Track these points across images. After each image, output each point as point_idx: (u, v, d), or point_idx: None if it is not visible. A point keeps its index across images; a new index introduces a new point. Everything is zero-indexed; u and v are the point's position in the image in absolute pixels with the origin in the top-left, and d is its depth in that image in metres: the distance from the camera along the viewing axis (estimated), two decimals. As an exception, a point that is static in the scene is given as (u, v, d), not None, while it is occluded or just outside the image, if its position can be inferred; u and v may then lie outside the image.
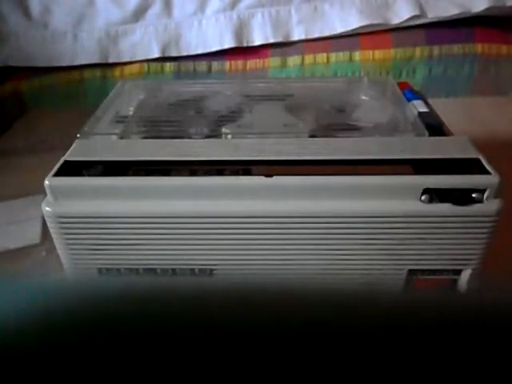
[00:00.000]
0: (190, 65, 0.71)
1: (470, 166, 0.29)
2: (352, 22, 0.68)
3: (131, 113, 0.40)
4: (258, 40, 0.70)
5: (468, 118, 0.63)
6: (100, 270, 0.32)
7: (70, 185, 0.30)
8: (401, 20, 0.68)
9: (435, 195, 0.29)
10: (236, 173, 0.30)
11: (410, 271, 0.31)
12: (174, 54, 0.71)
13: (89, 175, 0.30)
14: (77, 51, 0.70)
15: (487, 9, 0.66)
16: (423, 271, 0.31)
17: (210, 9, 0.70)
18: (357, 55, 0.69)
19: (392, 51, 0.69)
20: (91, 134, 0.36)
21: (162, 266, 0.32)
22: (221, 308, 0.10)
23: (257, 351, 0.09)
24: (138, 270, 0.32)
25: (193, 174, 0.30)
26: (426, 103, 0.38)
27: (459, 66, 0.69)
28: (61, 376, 0.09)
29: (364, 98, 0.41)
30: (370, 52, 0.69)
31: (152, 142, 0.34)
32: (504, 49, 0.69)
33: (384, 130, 0.35)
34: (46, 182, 0.29)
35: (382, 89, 0.43)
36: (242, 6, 0.69)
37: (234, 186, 0.29)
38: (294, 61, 0.71)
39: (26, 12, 0.70)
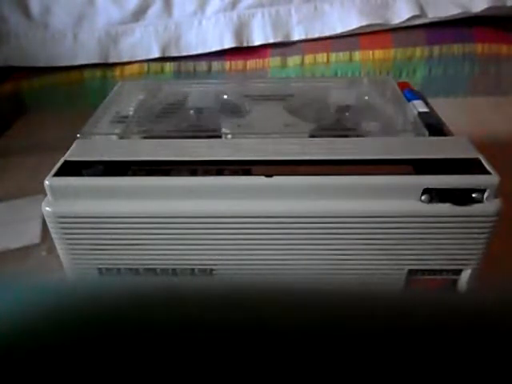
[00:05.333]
0: (190, 65, 0.71)
1: (469, 166, 0.29)
2: (352, 22, 0.68)
3: (131, 113, 0.40)
4: (257, 40, 0.70)
5: (468, 118, 0.63)
6: (100, 270, 0.32)
7: (69, 185, 0.30)
8: (401, 20, 0.68)
9: (435, 195, 0.29)
10: (236, 173, 0.30)
11: (410, 271, 0.31)
12: (174, 53, 0.71)
13: (89, 175, 0.30)
14: (77, 51, 0.70)
15: (487, 9, 0.66)
16: (423, 271, 0.31)
17: (210, 9, 0.70)
18: (357, 55, 0.69)
19: (392, 51, 0.69)
20: (91, 134, 0.36)
21: (162, 266, 0.32)
22: (221, 308, 0.10)
23: (256, 352, 0.09)
24: (137, 269, 0.32)
25: (193, 173, 0.30)
26: (426, 103, 0.38)
27: (459, 66, 0.69)
28: (61, 376, 0.09)
29: (364, 98, 0.41)
30: (370, 52, 0.69)
31: (152, 141, 0.34)
32: (504, 49, 0.69)
33: (384, 130, 0.35)
34: (46, 182, 0.29)
35: (381, 89, 0.43)
36: (241, 6, 0.69)
37: (234, 186, 0.29)
38: (293, 61, 0.71)
39: (26, 12, 0.70)
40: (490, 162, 0.30)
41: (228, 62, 0.71)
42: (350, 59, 0.70)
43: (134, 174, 0.30)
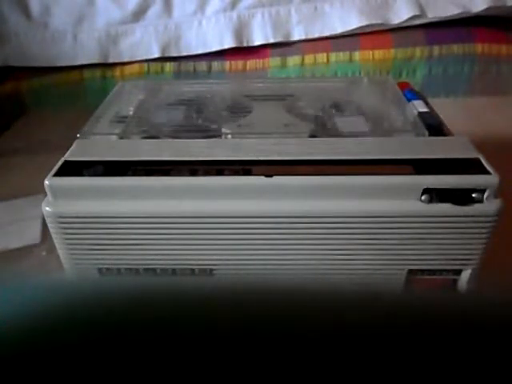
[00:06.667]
0: (190, 65, 0.71)
1: (469, 166, 0.29)
2: (352, 22, 0.68)
3: (131, 113, 0.40)
4: (257, 40, 0.70)
5: (468, 118, 0.63)
6: (100, 270, 0.32)
7: (70, 185, 0.30)
8: (401, 20, 0.68)
9: (435, 195, 0.29)
10: (236, 173, 0.30)
11: (410, 271, 0.31)
12: (174, 54, 0.71)
13: (89, 175, 0.30)
14: (77, 51, 0.70)
15: (487, 9, 0.66)
16: (423, 271, 0.31)
17: (210, 9, 0.70)
18: (357, 55, 0.69)
19: (392, 51, 0.69)
20: (91, 134, 0.36)
21: (162, 265, 0.32)
22: (221, 308, 0.10)
23: (257, 352, 0.09)
24: (137, 270, 0.32)
25: (193, 173, 0.30)
26: (426, 103, 0.38)
27: (459, 65, 0.69)
28: (60, 376, 0.09)
29: (364, 98, 0.41)
30: (370, 52, 0.69)
31: (152, 141, 0.34)
32: (504, 49, 0.69)
33: (384, 130, 0.35)
34: (46, 182, 0.29)
35: (382, 89, 0.43)
36: (241, 6, 0.69)
37: (234, 186, 0.29)
38: (293, 61, 0.71)
39: (26, 12, 0.70)
40: (489, 162, 0.30)
41: (228, 62, 0.71)
42: (350, 59, 0.70)
43: (134, 173, 0.30)
